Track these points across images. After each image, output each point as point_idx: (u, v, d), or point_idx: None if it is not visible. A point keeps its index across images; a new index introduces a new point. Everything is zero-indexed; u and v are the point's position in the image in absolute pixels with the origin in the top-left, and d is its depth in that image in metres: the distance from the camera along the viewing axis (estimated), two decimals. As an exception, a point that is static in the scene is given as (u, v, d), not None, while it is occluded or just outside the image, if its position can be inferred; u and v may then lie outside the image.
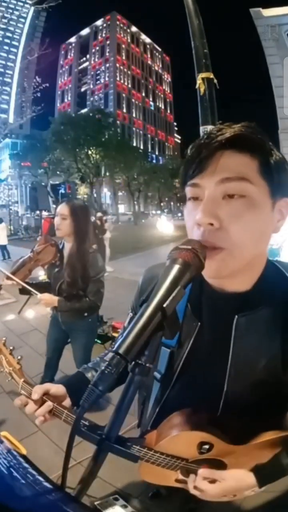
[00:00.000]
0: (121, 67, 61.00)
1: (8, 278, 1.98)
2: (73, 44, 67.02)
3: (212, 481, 0.60)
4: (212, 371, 0.60)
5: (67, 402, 0.71)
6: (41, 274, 2.95)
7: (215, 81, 3.50)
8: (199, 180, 0.52)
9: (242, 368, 0.58)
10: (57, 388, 0.71)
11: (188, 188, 0.55)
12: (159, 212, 35.99)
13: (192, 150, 0.54)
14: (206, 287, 0.61)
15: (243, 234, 0.51)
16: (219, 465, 0.60)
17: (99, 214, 7.11)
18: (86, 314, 2.00)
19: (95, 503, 1.46)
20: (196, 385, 0.62)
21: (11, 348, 0.80)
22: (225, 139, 0.50)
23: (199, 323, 0.62)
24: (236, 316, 0.58)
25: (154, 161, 48.94)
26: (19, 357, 0.79)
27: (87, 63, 65.00)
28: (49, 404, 0.67)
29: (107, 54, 61.32)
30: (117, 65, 59.94)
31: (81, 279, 1.88)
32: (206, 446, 0.58)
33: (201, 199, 0.53)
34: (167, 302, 0.42)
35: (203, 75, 3.47)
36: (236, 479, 0.59)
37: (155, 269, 0.74)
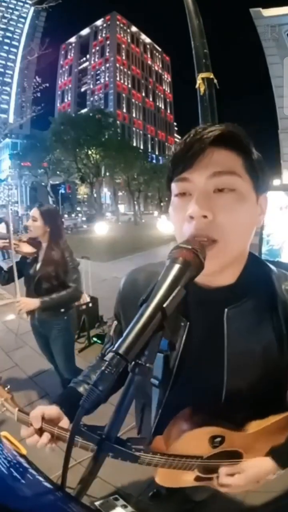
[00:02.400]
0: (121, 67, 61.02)
1: None
2: (73, 44, 67.04)
3: (232, 474, 0.61)
4: (209, 367, 0.61)
5: (65, 422, 0.70)
6: None
7: (215, 81, 3.50)
8: (189, 175, 0.53)
9: (238, 360, 0.59)
10: (51, 411, 0.69)
11: (176, 184, 0.56)
12: (156, 213, 35.91)
13: (179, 147, 0.54)
14: (191, 286, 0.62)
15: (235, 225, 0.52)
16: (235, 455, 0.61)
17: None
18: (62, 309, 2.06)
19: (95, 503, 1.46)
20: (196, 383, 0.62)
21: None
22: (216, 135, 0.51)
23: (187, 323, 0.62)
24: (226, 309, 0.59)
25: (154, 161, 48.94)
26: (8, 386, 0.77)
27: (87, 63, 65.03)
28: (47, 435, 0.67)
29: (107, 54, 61.34)
30: (117, 65, 59.96)
31: (61, 268, 2.00)
32: (218, 439, 0.58)
33: (189, 194, 0.54)
34: (167, 302, 0.42)
35: (203, 75, 3.46)
36: (255, 467, 0.61)
37: (137, 273, 0.74)
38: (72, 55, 66.99)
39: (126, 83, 61.74)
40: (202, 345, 0.62)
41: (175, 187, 0.56)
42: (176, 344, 0.62)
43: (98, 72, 62.49)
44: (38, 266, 2.03)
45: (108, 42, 61.35)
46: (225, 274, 0.58)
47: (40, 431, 0.67)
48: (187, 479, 0.63)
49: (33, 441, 0.68)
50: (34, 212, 2.00)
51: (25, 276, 2.10)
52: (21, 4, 39.46)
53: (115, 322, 0.77)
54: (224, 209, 0.52)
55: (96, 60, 63.25)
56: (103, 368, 0.39)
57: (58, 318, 2.06)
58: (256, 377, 0.59)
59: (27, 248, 2.06)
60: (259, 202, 0.57)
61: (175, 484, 0.65)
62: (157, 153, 62.83)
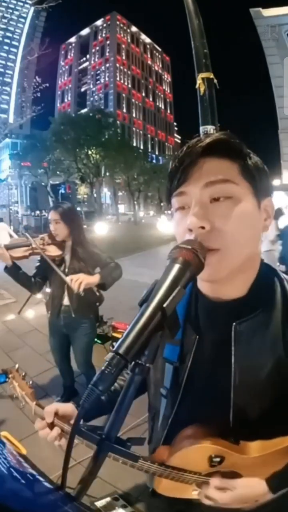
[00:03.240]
0: (121, 67, 61.05)
1: (6, 248, 1.91)
2: (73, 44, 67.08)
3: (223, 489, 0.59)
4: (217, 382, 0.60)
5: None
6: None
7: (215, 81, 3.50)
8: (185, 188, 0.54)
9: (246, 376, 0.57)
10: (65, 408, 0.71)
11: (175, 199, 0.56)
12: (152, 212, 35.84)
13: (174, 162, 0.55)
14: (202, 299, 0.62)
15: (235, 232, 0.52)
16: (234, 476, 0.58)
17: None
18: (97, 304, 2.12)
19: (95, 503, 1.46)
20: (204, 398, 0.61)
21: (23, 374, 0.86)
22: (206, 144, 0.52)
23: (197, 336, 0.61)
24: (234, 324, 0.57)
25: (154, 161, 48.92)
26: (30, 382, 0.84)
27: (87, 63, 65.07)
28: (57, 430, 0.69)
29: (107, 54, 61.37)
30: (117, 65, 59.99)
31: (92, 262, 2.01)
32: (217, 459, 0.57)
33: (188, 207, 0.54)
34: (167, 302, 0.42)
35: (203, 75, 3.46)
36: (247, 487, 0.58)
37: None
38: (72, 55, 67.04)
39: (126, 83, 61.76)
40: (211, 360, 0.61)
41: (174, 202, 0.57)
42: (186, 357, 0.62)
43: (98, 72, 62.51)
44: (67, 266, 2.01)
45: (108, 42, 61.38)
46: (233, 285, 0.57)
47: (52, 426, 0.70)
48: (185, 491, 0.63)
49: (44, 433, 0.70)
50: (54, 214, 1.96)
51: (53, 278, 2.04)
52: (21, 4, 39.49)
53: None
54: (222, 217, 0.51)
55: (96, 60, 63.29)
56: (103, 368, 0.40)
57: (85, 317, 2.10)
58: (265, 395, 0.57)
59: (55, 251, 2.00)
60: (263, 206, 0.56)
61: (174, 494, 0.65)
62: (157, 153, 62.81)
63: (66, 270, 2.00)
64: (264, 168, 0.57)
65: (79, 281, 1.78)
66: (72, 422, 0.69)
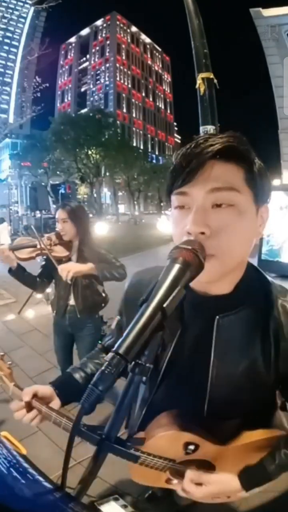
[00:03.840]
0: (121, 67, 61.01)
1: (11, 250, 1.84)
2: (73, 44, 67.04)
3: (199, 483, 0.60)
4: (195, 372, 0.61)
5: (56, 403, 0.73)
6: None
7: (215, 81, 3.50)
8: (188, 189, 0.53)
9: (224, 369, 0.59)
10: (44, 389, 0.73)
11: (176, 197, 0.56)
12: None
13: (179, 159, 0.54)
14: (188, 293, 0.62)
15: (232, 241, 0.52)
16: (208, 466, 0.60)
17: None
18: (102, 304, 2.10)
19: (95, 503, 1.46)
20: (181, 386, 0.63)
21: (1, 354, 0.83)
22: (217, 150, 0.50)
23: (180, 327, 0.63)
24: (217, 317, 0.59)
25: (154, 161, 48.92)
26: (9, 363, 0.82)
27: (87, 63, 65.03)
28: (35, 411, 0.70)
29: (107, 54, 61.34)
30: (117, 65, 59.96)
31: (100, 263, 1.95)
32: (192, 447, 0.58)
33: (188, 207, 0.53)
34: (167, 302, 0.42)
35: (203, 75, 3.46)
36: (221, 483, 0.59)
37: (142, 274, 0.75)
38: (72, 55, 67.00)
39: (126, 83, 61.73)
40: (191, 351, 0.62)
41: (174, 199, 0.56)
42: (168, 345, 0.63)
43: (98, 72, 62.48)
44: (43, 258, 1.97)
45: (108, 42, 61.35)
46: (221, 283, 0.58)
47: (29, 407, 0.71)
48: (158, 479, 0.64)
49: (20, 415, 0.71)
50: (62, 213, 1.91)
51: (58, 278, 1.98)
52: (21, 4, 39.46)
53: (118, 317, 0.80)
54: (222, 224, 0.51)
55: (96, 60, 63.25)
56: (103, 368, 0.40)
57: (91, 318, 2.10)
58: (239, 390, 0.59)
59: (62, 251, 1.95)
60: (260, 213, 0.57)
61: (147, 482, 0.66)
62: (157, 153, 62.78)
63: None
64: (266, 174, 0.57)
65: (67, 270, 1.75)
66: (50, 405, 0.71)
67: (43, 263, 2.03)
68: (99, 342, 3.27)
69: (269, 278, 0.64)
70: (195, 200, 0.52)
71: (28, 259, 1.90)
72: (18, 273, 1.90)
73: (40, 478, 0.46)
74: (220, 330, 0.59)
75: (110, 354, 0.40)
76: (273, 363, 0.58)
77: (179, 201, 0.55)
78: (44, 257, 1.96)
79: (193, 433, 0.58)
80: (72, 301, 2.03)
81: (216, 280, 0.55)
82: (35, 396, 0.71)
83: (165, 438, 0.59)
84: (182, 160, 0.53)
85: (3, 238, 8.93)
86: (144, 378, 0.63)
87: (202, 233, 0.50)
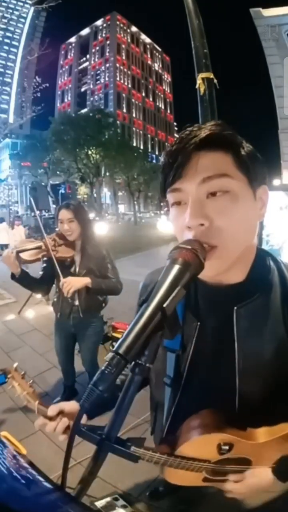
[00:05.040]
0: (121, 67, 61.03)
1: (18, 252, 1.79)
2: (73, 44, 67.06)
3: (237, 481, 0.60)
4: (220, 368, 0.60)
5: (83, 418, 0.72)
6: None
7: (215, 81, 3.49)
8: (180, 185, 0.53)
9: (250, 359, 0.57)
10: (70, 406, 0.71)
11: (170, 194, 0.55)
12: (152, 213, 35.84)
13: (167, 157, 0.54)
14: (201, 285, 0.61)
15: (233, 227, 0.51)
16: (244, 462, 0.59)
17: None
18: (103, 305, 2.12)
19: (95, 503, 1.46)
20: (208, 385, 0.61)
21: (22, 373, 0.84)
22: (199, 140, 0.51)
23: (198, 323, 0.62)
24: (235, 308, 0.58)
25: (154, 161, 48.89)
26: (30, 381, 0.83)
27: (87, 63, 65.06)
28: (65, 421, 0.69)
29: (107, 54, 61.35)
30: (117, 65, 59.97)
31: (101, 265, 1.97)
32: (226, 447, 0.57)
33: (184, 203, 0.53)
34: (167, 302, 0.42)
35: (203, 75, 3.45)
36: (256, 477, 0.59)
37: (155, 275, 0.74)
38: (72, 55, 67.03)
39: (126, 83, 61.74)
40: (213, 346, 0.61)
41: (170, 197, 0.56)
42: (188, 344, 0.62)
43: (98, 72, 62.50)
44: (77, 267, 1.96)
45: (108, 42, 61.37)
46: (232, 272, 0.57)
47: (56, 423, 0.70)
48: (195, 479, 0.63)
49: (50, 427, 0.70)
50: (67, 213, 1.88)
51: (63, 277, 1.95)
52: (21, 4, 39.52)
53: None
54: (220, 212, 0.51)
55: (96, 60, 63.27)
56: (103, 368, 0.39)
57: (95, 317, 2.12)
58: (270, 379, 0.57)
59: (67, 252, 1.93)
60: (258, 195, 0.56)
61: (182, 482, 0.65)
62: (157, 153, 62.74)
63: (77, 269, 1.96)
64: (257, 156, 0.56)
65: (68, 289, 1.80)
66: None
67: (44, 265, 2.00)
68: (101, 343, 3.28)
69: (281, 259, 0.63)
70: (189, 194, 0.52)
71: (34, 261, 1.88)
72: (22, 278, 1.86)
73: (40, 478, 0.46)
74: (240, 321, 0.57)
75: (110, 354, 0.40)
76: None
77: (174, 198, 0.55)
78: (45, 258, 1.93)
79: (226, 433, 0.56)
80: (76, 302, 2.04)
81: (225, 270, 0.54)
82: (61, 413, 0.70)
83: (197, 442, 0.57)
84: (169, 157, 0.53)
85: (3, 237, 8.93)
86: (169, 381, 0.63)
87: (202, 224, 0.50)
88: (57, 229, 1.98)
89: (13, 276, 1.82)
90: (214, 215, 0.51)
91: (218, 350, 0.60)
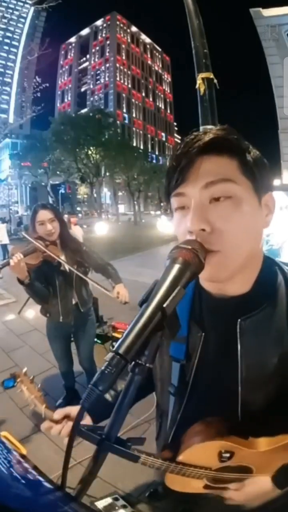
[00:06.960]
0: (121, 67, 61.02)
1: (24, 255, 1.75)
2: (73, 44, 67.04)
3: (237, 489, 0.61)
4: (224, 378, 0.60)
5: (88, 420, 0.74)
6: None
7: (215, 81, 3.48)
8: (183, 189, 0.52)
9: (253, 371, 0.57)
10: (76, 410, 0.71)
11: (174, 199, 0.55)
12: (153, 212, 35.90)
13: (171, 161, 0.54)
14: (206, 296, 0.61)
15: (235, 233, 0.51)
16: (245, 470, 0.59)
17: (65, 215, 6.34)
18: (91, 293, 2.26)
19: (95, 503, 1.46)
20: (212, 394, 0.61)
21: (31, 377, 0.86)
22: (203, 144, 0.50)
23: (203, 334, 0.61)
24: (239, 320, 0.57)
25: (154, 161, 48.93)
26: (39, 385, 0.85)
27: (87, 63, 65.03)
28: (70, 425, 0.71)
29: (107, 54, 61.33)
30: (117, 65, 59.96)
31: (83, 254, 2.06)
32: (227, 455, 0.57)
33: (187, 208, 0.53)
34: (167, 302, 0.42)
35: (203, 75, 3.45)
36: (255, 484, 0.59)
37: None
38: (72, 55, 66.99)
39: (126, 83, 61.73)
40: (217, 357, 0.60)
41: (173, 201, 0.56)
42: (193, 355, 0.62)
43: (98, 72, 62.48)
44: (65, 264, 1.96)
45: (108, 42, 61.34)
46: (236, 282, 0.56)
47: (62, 425, 0.72)
48: (196, 486, 0.63)
49: (56, 431, 0.72)
50: (48, 214, 1.88)
51: (58, 280, 1.99)
52: (21, 4, 39.55)
53: None
54: (222, 218, 0.50)
55: (96, 60, 63.24)
56: (102, 368, 0.39)
57: (89, 310, 2.22)
58: (273, 391, 0.57)
59: (56, 251, 1.93)
60: (264, 202, 0.55)
61: (183, 489, 0.65)
62: (157, 153, 62.82)
63: (67, 267, 1.99)
64: (264, 162, 0.55)
65: (126, 300, 1.97)
66: (82, 423, 0.70)
67: (35, 269, 1.90)
68: (99, 342, 3.28)
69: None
70: (192, 198, 0.52)
71: (37, 264, 1.85)
72: (33, 283, 1.83)
73: (40, 478, 0.46)
74: (244, 334, 0.57)
75: (110, 354, 0.40)
76: None
77: (178, 203, 0.55)
78: (41, 259, 1.91)
79: (227, 441, 0.56)
80: (75, 299, 2.08)
81: (227, 278, 0.54)
82: (67, 417, 0.72)
83: (198, 449, 0.57)
84: (174, 161, 0.53)
85: (3, 237, 8.91)
86: (173, 390, 0.64)
87: (203, 229, 0.50)
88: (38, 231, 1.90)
89: (21, 282, 1.78)
90: (216, 220, 0.50)
91: (222, 361, 0.60)
